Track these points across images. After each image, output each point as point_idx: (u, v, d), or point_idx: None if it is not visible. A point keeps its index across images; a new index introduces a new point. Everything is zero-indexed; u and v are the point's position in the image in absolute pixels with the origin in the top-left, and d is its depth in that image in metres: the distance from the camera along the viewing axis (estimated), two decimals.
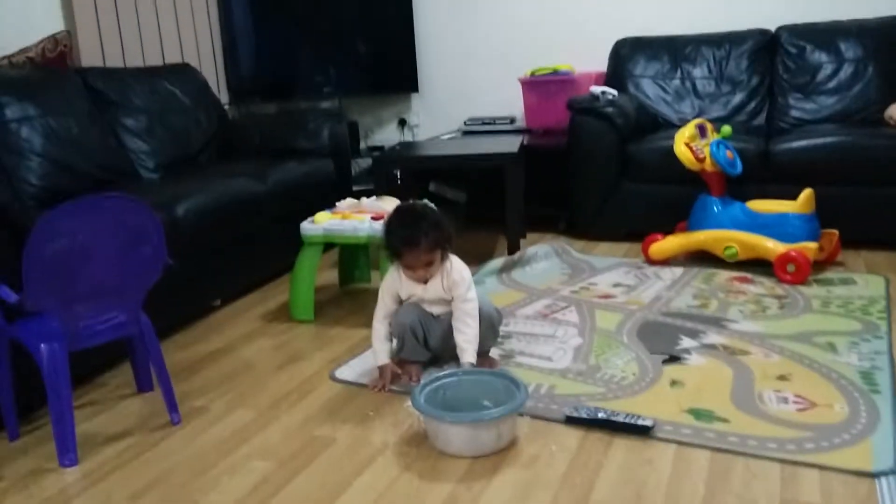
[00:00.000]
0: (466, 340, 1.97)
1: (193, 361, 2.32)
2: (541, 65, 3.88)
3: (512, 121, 4.03)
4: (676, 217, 3.05)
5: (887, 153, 2.86)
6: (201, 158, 3.41)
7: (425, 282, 2.00)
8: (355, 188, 3.71)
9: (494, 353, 2.16)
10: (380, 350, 2.06)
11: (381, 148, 4.26)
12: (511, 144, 3.29)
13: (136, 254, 1.76)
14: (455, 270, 2.00)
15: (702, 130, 2.89)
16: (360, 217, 2.58)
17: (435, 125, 4.29)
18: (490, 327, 2.07)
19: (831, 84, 3.35)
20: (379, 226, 2.48)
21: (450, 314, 2.03)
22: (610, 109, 3.26)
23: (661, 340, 2.21)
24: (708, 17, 3.72)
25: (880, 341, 2.10)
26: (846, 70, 3.33)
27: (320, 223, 2.58)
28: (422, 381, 1.81)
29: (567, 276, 2.90)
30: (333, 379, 2.13)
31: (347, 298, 2.86)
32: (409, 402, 1.83)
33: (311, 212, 2.67)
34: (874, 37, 3.33)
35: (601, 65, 3.84)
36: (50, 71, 3.04)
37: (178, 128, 3.33)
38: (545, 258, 3.10)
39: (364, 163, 4.21)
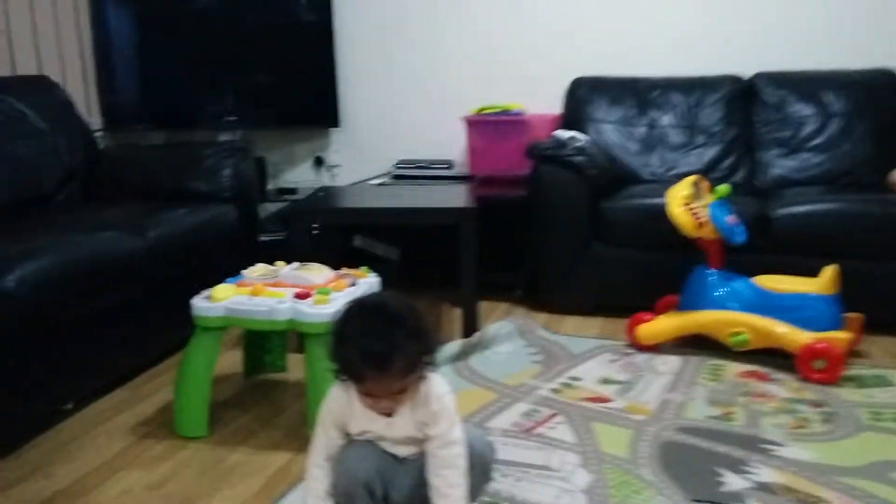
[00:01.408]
0: None
1: None
2: (485, 103, 3.32)
3: (450, 165, 3.45)
4: (659, 290, 2.55)
5: None
6: (57, 200, 2.59)
7: (389, 414, 1.34)
8: (262, 237, 3.00)
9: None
10: None
11: (293, 190, 3.56)
12: (459, 195, 2.70)
13: None
14: (434, 398, 1.35)
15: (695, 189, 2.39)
16: (277, 293, 1.89)
17: (359, 166, 3.63)
18: (482, 475, 1.42)
19: (818, 140, 2.97)
20: (305, 308, 1.80)
21: (421, 455, 1.38)
22: (579, 158, 2.72)
23: (696, 477, 1.63)
24: (671, 59, 3.28)
25: None
26: (834, 125, 2.97)
27: (221, 301, 1.86)
28: None
29: (539, 364, 2.30)
30: None
31: (255, 396, 2.13)
32: None
33: (206, 274, 1.95)
34: (861, 90, 2.99)
35: (553, 106, 3.33)
36: None
37: (26, 158, 2.52)
38: (508, 340, 2.49)
39: (272, 207, 3.48)
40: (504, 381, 2.18)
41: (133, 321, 2.19)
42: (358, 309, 1.30)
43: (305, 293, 1.87)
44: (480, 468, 1.40)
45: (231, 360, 2.30)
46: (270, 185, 3.67)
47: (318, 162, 3.75)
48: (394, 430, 1.36)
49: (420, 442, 1.37)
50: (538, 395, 2.07)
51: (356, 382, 1.28)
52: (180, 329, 1.91)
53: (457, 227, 2.46)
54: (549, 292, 2.84)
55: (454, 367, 2.28)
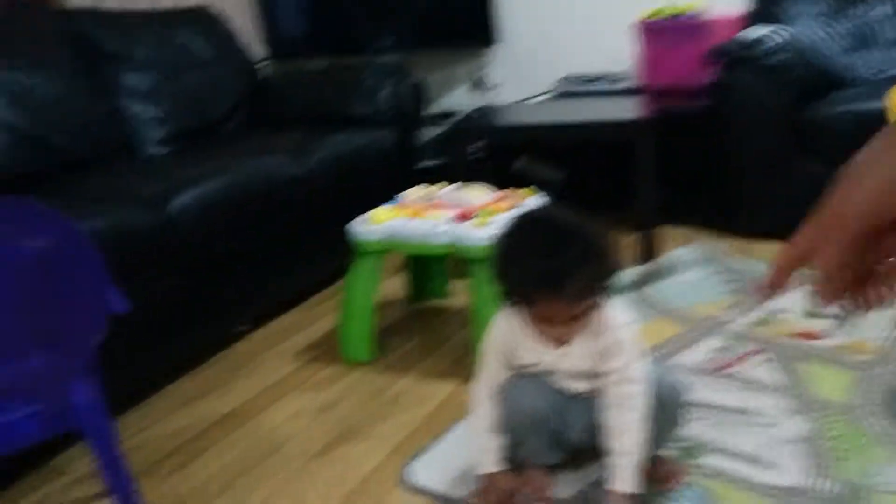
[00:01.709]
0: (624, 453, 1.15)
1: (192, 436, 1.54)
2: (660, 6, 2.95)
3: (622, 78, 3.13)
4: None
5: None
6: (224, 129, 2.62)
7: (562, 344, 1.18)
8: (421, 164, 2.90)
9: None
10: (484, 449, 1.25)
11: (451, 115, 3.41)
12: (633, 109, 2.42)
13: (49, 297, 0.98)
14: (612, 328, 1.17)
15: None
16: (435, 215, 1.76)
17: (520, 85, 3.40)
18: (670, 418, 1.23)
19: None
20: (466, 230, 1.67)
21: (597, 392, 1.21)
22: (778, 58, 2.33)
23: None
24: None
25: None
26: None
27: (380, 224, 1.77)
28: None
29: (732, 295, 2.02)
30: (405, 486, 1.33)
31: (419, 324, 2.05)
32: None
33: (366, 200, 1.87)
34: None
35: (735, 4, 2.89)
36: (22, 6, 2.27)
37: (195, 89, 2.55)
38: (694, 266, 2.23)
39: (430, 133, 3.37)
40: (692, 311, 1.94)
41: (299, 245, 2.18)
42: (526, 223, 1.13)
43: (466, 215, 1.73)
44: (667, 411, 1.20)
45: (396, 286, 2.24)
46: (429, 111, 3.55)
47: (478, 84, 3.56)
48: (566, 362, 1.20)
49: (595, 377, 1.20)
50: (733, 329, 1.82)
51: (525, 306, 1.13)
52: (345, 252, 1.85)
53: (632, 142, 2.20)
54: (739, 215, 2.50)
55: (633, 296, 2.06)
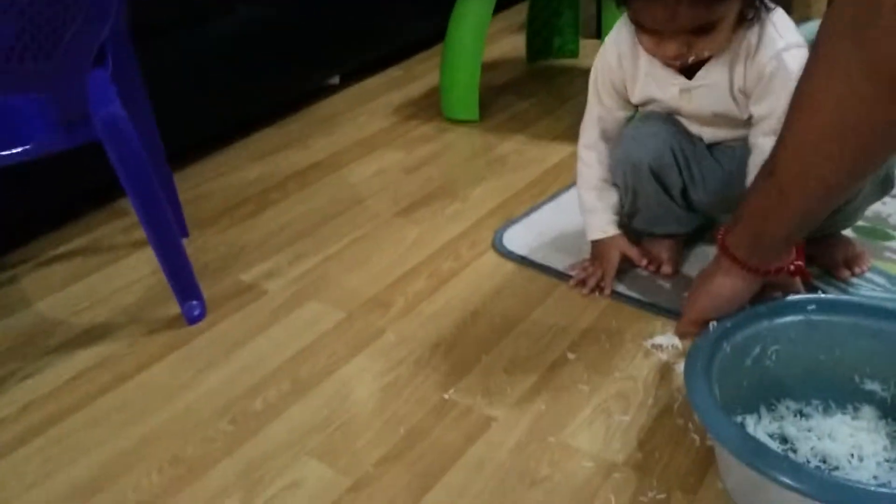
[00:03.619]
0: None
1: (265, 187, 1.36)
2: None
3: None
4: None
5: None
6: None
7: (686, 72, 0.83)
8: None
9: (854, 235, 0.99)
10: (594, 210, 0.97)
11: None
12: None
13: None
14: (769, 52, 0.80)
15: None
16: None
17: None
18: (868, 189, 0.88)
19: None
20: None
21: (739, 143, 0.87)
22: None
23: None
24: None
25: None
26: None
27: None
28: (713, 326, 0.72)
29: None
30: (500, 250, 1.09)
31: (538, 83, 1.72)
32: (682, 364, 0.79)
33: None
34: None
35: None
36: None
37: None
38: None
39: None
40: None
41: None
42: None
43: None
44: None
45: (513, 45, 1.89)
46: None
47: None
48: (695, 99, 0.86)
49: (740, 124, 0.85)
50: None
51: (632, 15, 0.78)
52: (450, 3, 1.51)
53: None
54: None
55: None
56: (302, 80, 1.70)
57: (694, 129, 0.91)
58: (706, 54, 0.81)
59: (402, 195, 1.29)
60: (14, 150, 0.86)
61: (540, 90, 1.67)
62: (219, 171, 1.44)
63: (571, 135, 1.34)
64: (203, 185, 1.39)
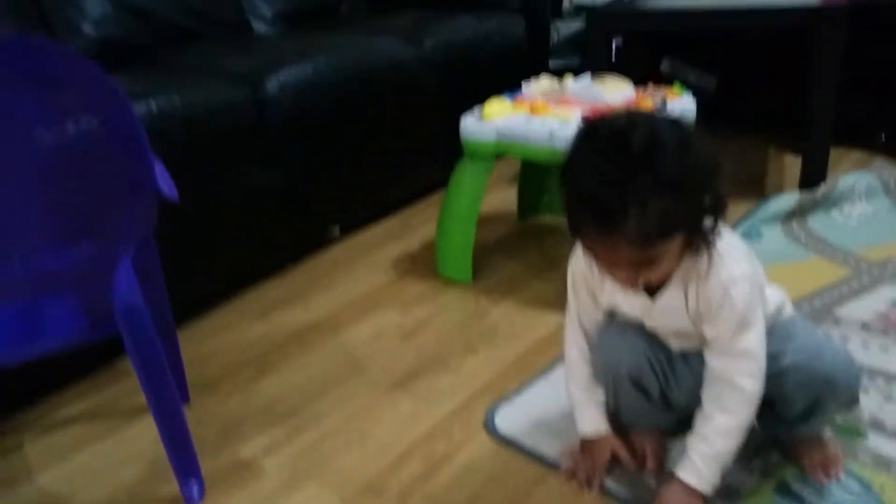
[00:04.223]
0: (704, 439, 0.90)
1: (266, 349, 1.41)
2: None
3: None
4: None
5: None
6: (341, 10, 2.42)
7: (651, 293, 0.91)
8: (553, 61, 2.58)
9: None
10: (584, 407, 1.02)
11: (591, 9, 3.01)
12: None
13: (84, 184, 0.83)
14: (718, 282, 0.86)
15: None
16: (561, 113, 1.48)
17: None
18: (833, 399, 0.93)
19: None
20: None
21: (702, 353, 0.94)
22: None
23: None
24: None
25: None
26: None
27: (493, 119, 1.51)
28: None
29: None
30: (492, 433, 1.14)
31: (528, 242, 1.81)
32: None
33: (484, 97, 1.60)
34: None
35: None
36: None
37: None
38: (867, 198, 1.82)
39: (566, 29, 2.99)
40: (861, 252, 1.57)
41: (405, 142, 1.97)
42: (591, 135, 0.81)
43: (598, 113, 1.43)
44: (834, 388, 0.91)
45: (505, 198, 1.99)
46: (566, 3, 3.16)
47: None
48: (656, 317, 0.93)
49: (700, 339, 0.92)
50: None
51: (580, 241, 0.86)
52: (456, 156, 1.62)
53: (812, 35, 1.78)
54: None
55: (785, 228, 1.71)
56: (303, 234, 1.78)
57: (661, 339, 0.98)
58: (654, 282, 0.87)
59: (398, 363, 1.34)
60: (38, 345, 0.92)
61: (530, 250, 1.76)
62: (222, 327, 1.49)
63: (560, 301, 1.41)
64: (206, 342, 1.44)
